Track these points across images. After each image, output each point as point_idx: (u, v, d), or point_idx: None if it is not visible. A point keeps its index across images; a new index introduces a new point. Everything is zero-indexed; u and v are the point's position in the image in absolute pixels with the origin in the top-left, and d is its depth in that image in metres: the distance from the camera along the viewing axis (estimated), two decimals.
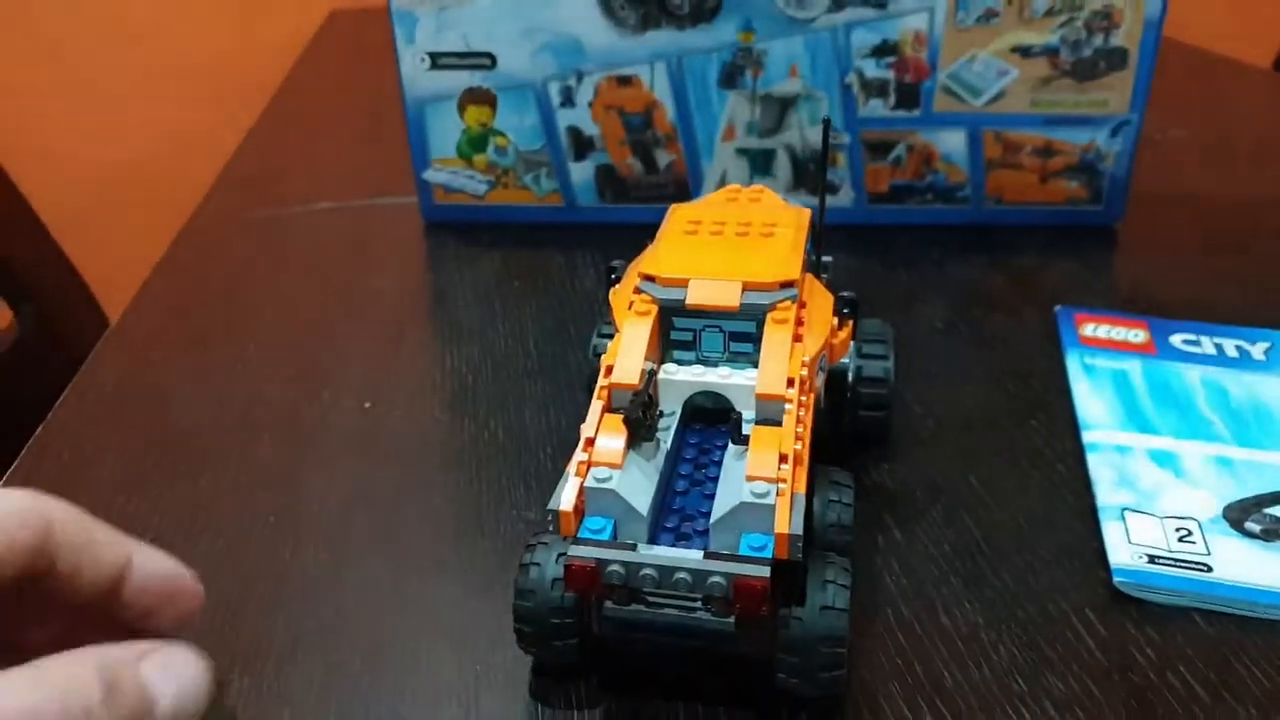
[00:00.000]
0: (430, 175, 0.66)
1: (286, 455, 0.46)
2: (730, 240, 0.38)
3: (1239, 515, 0.39)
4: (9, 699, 0.20)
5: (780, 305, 0.34)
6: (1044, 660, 0.35)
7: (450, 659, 0.36)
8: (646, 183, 0.65)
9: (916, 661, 0.35)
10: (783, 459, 0.30)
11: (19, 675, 0.21)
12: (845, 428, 0.42)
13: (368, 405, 0.50)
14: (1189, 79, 0.88)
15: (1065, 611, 0.37)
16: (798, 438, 0.31)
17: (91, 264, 0.92)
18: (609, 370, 0.33)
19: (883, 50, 0.59)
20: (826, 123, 0.38)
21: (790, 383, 0.32)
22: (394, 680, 0.35)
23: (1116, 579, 0.37)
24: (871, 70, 0.60)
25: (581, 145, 0.64)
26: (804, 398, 0.32)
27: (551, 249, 0.64)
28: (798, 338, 0.34)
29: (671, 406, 0.35)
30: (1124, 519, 0.39)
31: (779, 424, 0.31)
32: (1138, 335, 0.51)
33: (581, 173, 0.65)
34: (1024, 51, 0.58)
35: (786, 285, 0.34)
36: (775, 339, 0.33)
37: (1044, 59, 0.58)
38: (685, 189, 0.64)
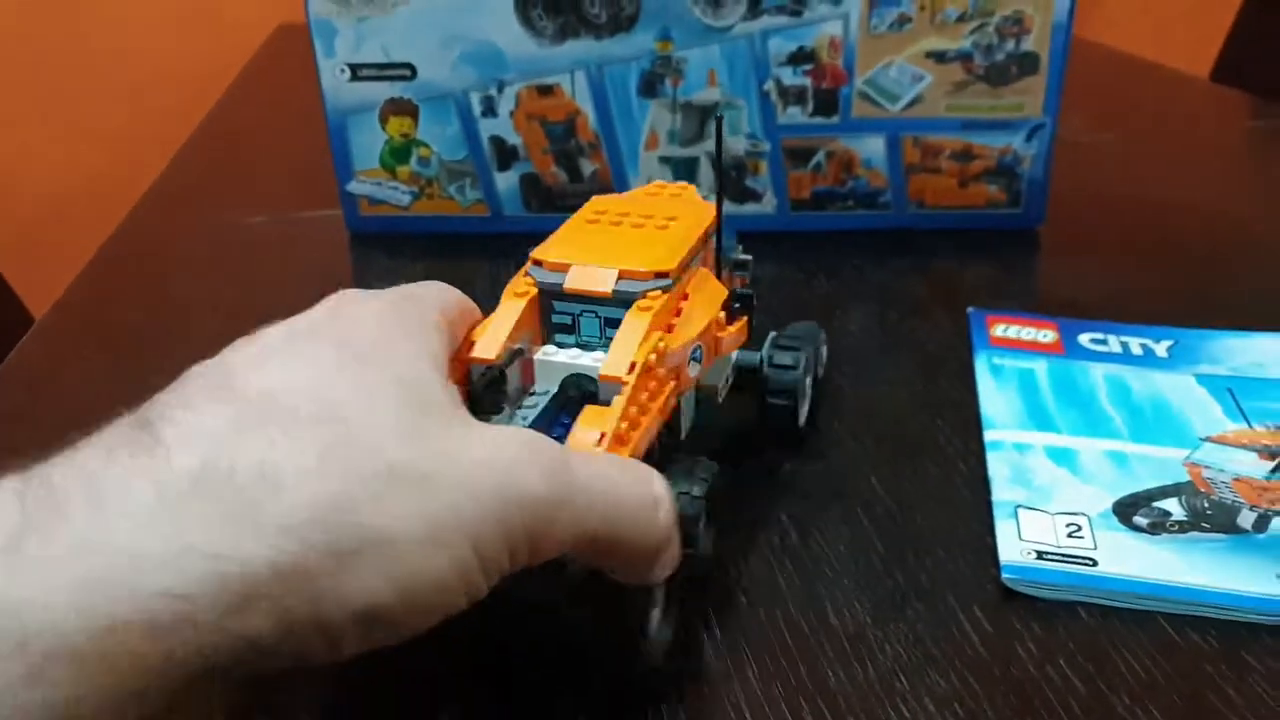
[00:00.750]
0: (354, 187, 0.66)
1: None
2: (625, 230, 0.38)
3: (1129, 509, 0.39)
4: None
5: (649, 294, 0.34)
6: (929, 658, 0.35)
7: None
8: (572, 191, 0.65)
9: (801, 663, 0.35)
10: (601, 437, 0.30)
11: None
12: (765, 421, 0.43)
13: None
14: (1125, 86, 0.90)
15: (954, 609, 0.36)
16: (628, 418, 0.31)
17: (22, 277, 0.91)
18: (470, 345, 0.33)
19: (799, 57, 0.59)
20: (719, 121, 0.38)
21: (632, 367, 0.32)
22: None
23: (1004, 575, 0.37)
24: (789, 78, 0.60)
25: (505, 155, 0.64)
26: (653, 384, 0.33)
27: (478, 259, 0.63)
28: (668, 328, 0.34)
29: (546, 386, 0.35)
30: (1017, 516, 0.39)
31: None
32: (1047, 335, 0.51)
33: (506, 182, 0.65)
34: (938, 57, 0.59)
35: (660, 275, 0.35)
36: (631, 325, 0.33)
37: (958, 64, 0.59)
38: None
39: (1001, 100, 0.60)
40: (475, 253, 0.64)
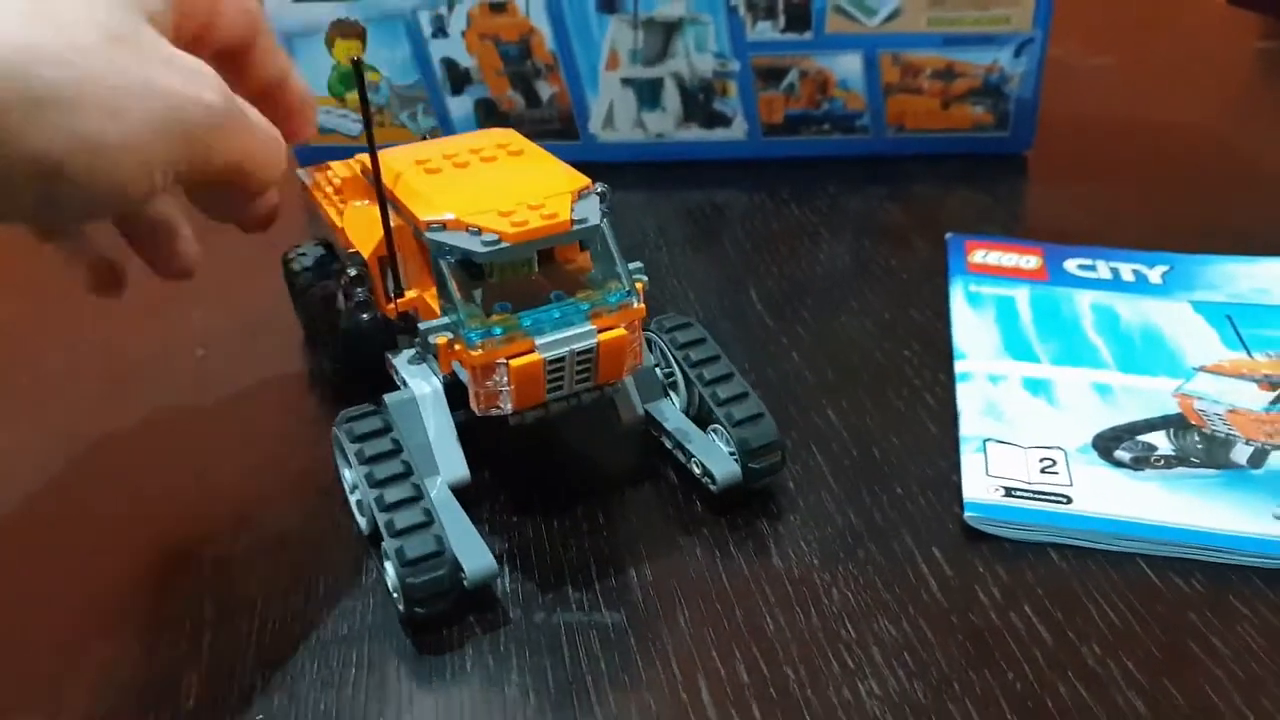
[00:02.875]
0: None
1: (109, 390, 0.43)
2: (487, 168, 0.35)
3: (1109, 443, 0.36)
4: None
5: None
6: (879, 603, 0.31)
7: (238, 613, 0.32)
8: (530, 117, 0.61)
9: (738, 607, 0.31)
10: None
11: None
12: None
13: (200, 352, 0.46)
14: (1131, 8, 0.84)
15: (910, 550, 0.33)
16: None
17: None
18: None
19: None
20: (357, 63, 0.31)
21: None
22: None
23: (967, 514, 0.33)
24: None
25: (458, 78, 0.60)
26: None
27: None
28: None
29: None
30: (985, 450, 0.36)
31: None
32: (1030, 261, 0.47)
33: (460, 108, 0.61)
34: None
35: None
36: None
37: None
38: (571, 124, 0.60)
39: (987, 12, 0.55)
40: None
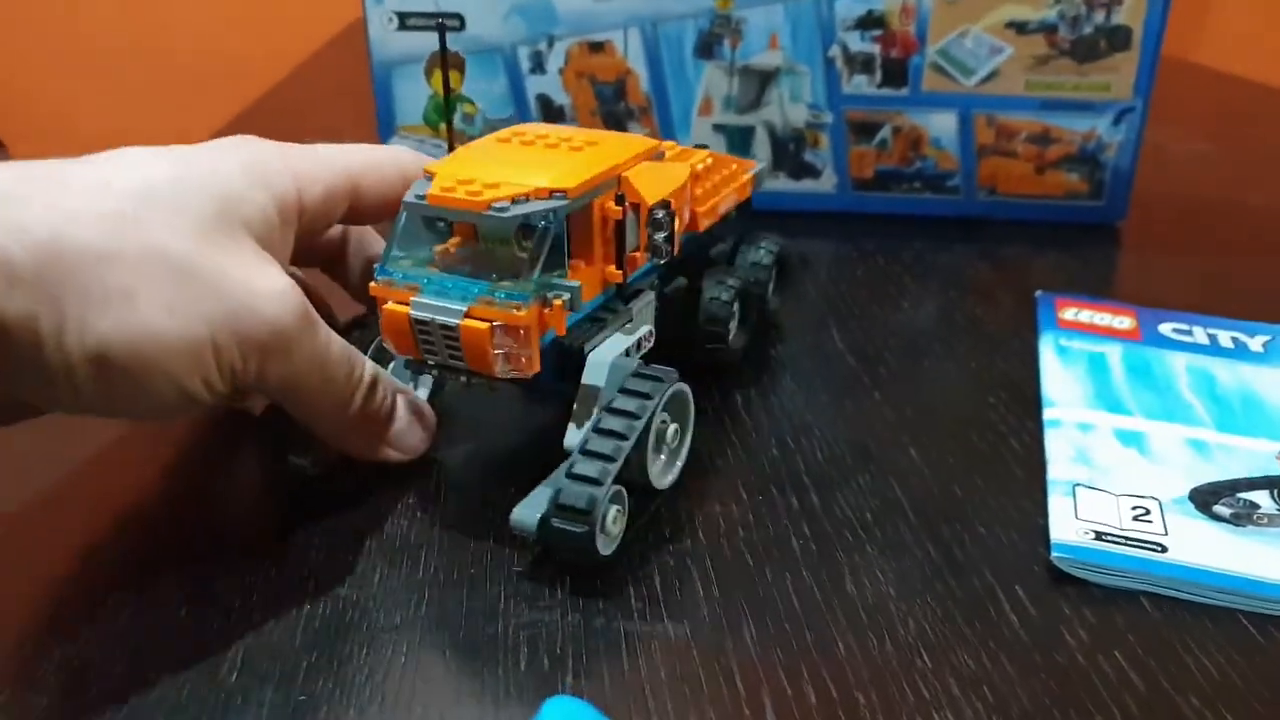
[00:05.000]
0: (395, 143, 0.64)
1: None
2: (534, 150, 0.36)
3: (1209, 497, 0.34)
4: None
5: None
6: (958, 637, 0.30)
7: (280, 600, 0.32)
8: None
9: (809, 629, 0.30)
10: None
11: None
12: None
13: None
14: (1221, 102, 0.83)
15: (991, 586, 0.31)
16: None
17: None
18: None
19: (868, 22, 0.56)
20: (441, 26, 0.38)
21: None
22: (188, 616, 0.31)
23: (1055, 554, 0.32)
24: (856, 44, 0.56)
25: (551, 115, 0.61)
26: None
27: None
28: None
29: None
30: (1074, 494, 0.34)
31: None
32: (1123, 322, 0.46)
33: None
34: (1019, 27, 0.54)
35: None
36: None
37: (1041, 36, 0.54)
38: None
39: (1087, 79, 0.55)
40: None
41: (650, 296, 0.38)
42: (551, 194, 0.32)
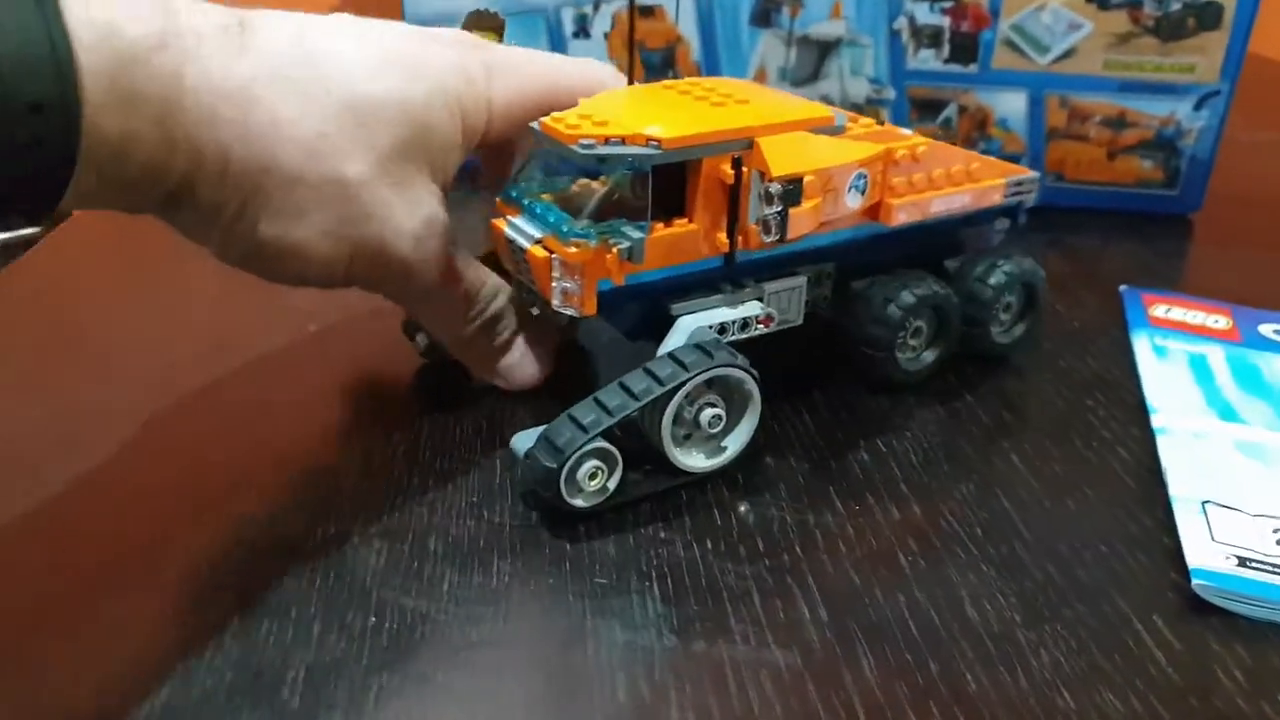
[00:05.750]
0: None
1: (212, 369, 0.40)
2: (684, 100, 0.35)
3: None
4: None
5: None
6: (1099, 672, 0.27)
7: (337, 603, 0.29)
8: None
9: (933, 659, 0.27)
10: None
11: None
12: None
13: (311, 328, 0.43)
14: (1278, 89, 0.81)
15: (1126, 615, 0.29)
16: None
17: None
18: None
19: None
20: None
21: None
22: (259, 627, 0.28)
23: (1195, 581, 0.29)
24: (924, 15, 0.53)
25: None
26: None
27: None
28: None
29: None
30: (1205, 513, 0.31)
31: None
32: (1219, 321, 0.43)
33: None
34: (1101, 2, 0.51)
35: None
36: None
37: (1124, 12, 0.51)
38: None
39: (1170, 59, 0.52)
40: None
41: (798, 281, 0.36)
42: (648, 142, 0.31)
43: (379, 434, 0.36)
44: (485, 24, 0.58)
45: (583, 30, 0.56)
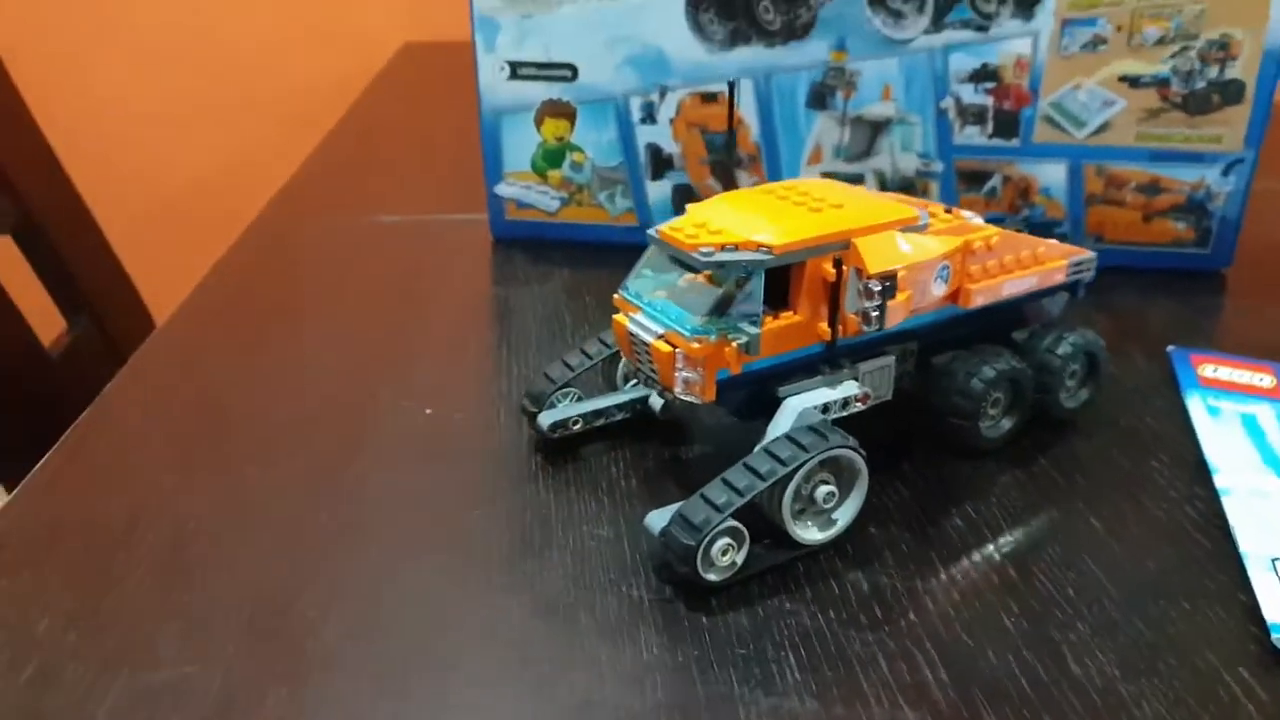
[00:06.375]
0: (502, 189, 0.64)
1: (341, 456, 0.44)
2: (783, 205, 0.39)
3: None
4: None
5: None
6: None
7: (509, 678, 0.32)
8: None
9: (1045, 713, 0.31)
10: None
11: None
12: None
13: (429, 411, 0.47)
14: None
15: (1215, 667, 0.32)
16: None
17: (148, 282, 0.91)
18: None
19: (982, 75, 0.57)
20: (731, 85, 0.43)
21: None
22: (442, 697, 0.32)
23: (1275, 635, 0.33)
24: (969, 96, 0.57)
25: (660, 164, 0.62)
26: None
27: (623, 270, 0.61)
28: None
29: None
30: (1276, 570, 0.35)
31: None
32: (1264, 380, 0.47)
33: (658, 192, 0.62)
34: (1132, 81, 0.56)
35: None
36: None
37: (1153, 90, 0.55)
38: None
39: (1198, 131, 0.56)
40: (621, 263, 0.61)
41: (887, 361, 0.40)
42: (759, 248, 0.35)
43: (511, 507, 0.40)
44: (558, 112, 0.62)
45: (650, 117, 0.61)
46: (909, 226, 0.39)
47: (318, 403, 0.48)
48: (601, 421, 0.44)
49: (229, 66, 1.28)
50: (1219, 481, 0.40)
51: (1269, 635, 0.33)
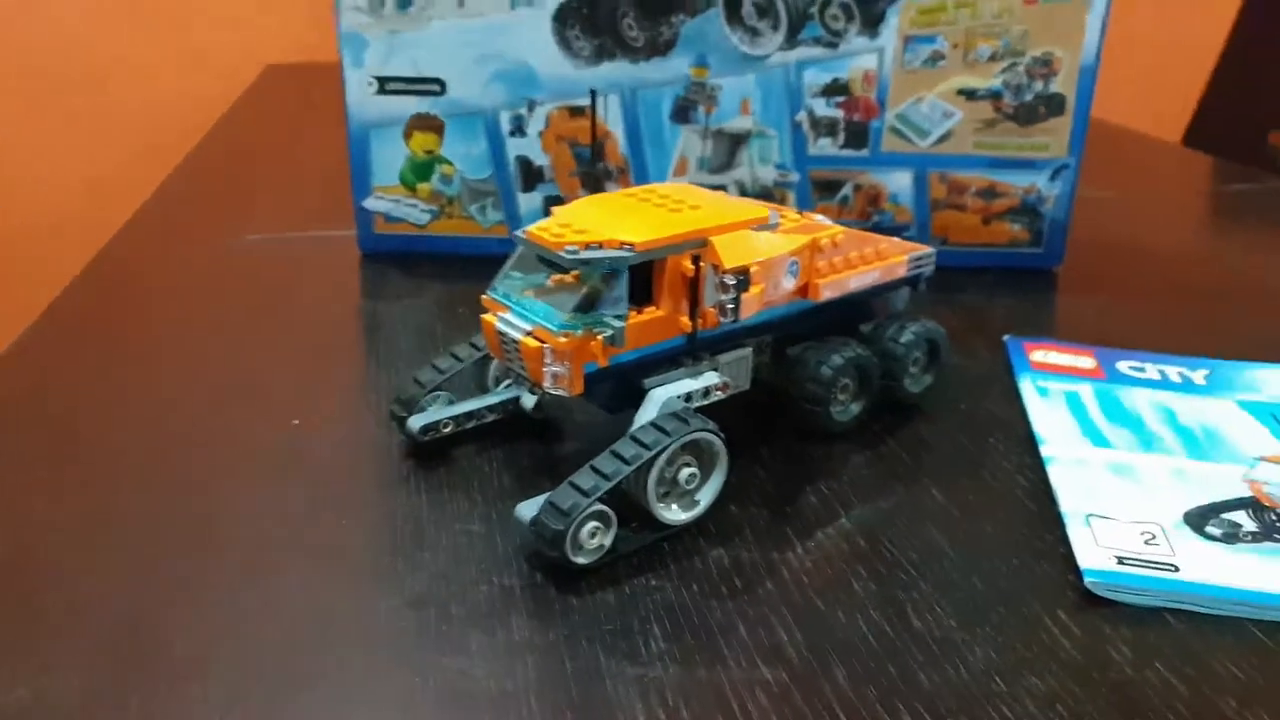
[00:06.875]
0: (371, 203, 0.64)
1: (204, 474, 0.43)
2: (644, 207, 0.41)
3: (1199, 520, 0.39)
4: None
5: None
6: (1022, 660, 0.33)
7: (378, 674, 0.33)
8: None
9: (891, 665, 0.33)
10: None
11: None
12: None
13: (295, 422, 0.47)
14: (1113, 151, 0.93)
15: (1038, 613, 0.35)
16: None
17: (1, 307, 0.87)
18: None
19: (833, 89, 0.60)
20: (594, 93, 0.45)
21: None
22: (310, 698, 0.32)
23: (1087, 579, 0.36)
24: (822, 109, 0.61)
25: (531, 176, 0.63)
26: None
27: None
28: None
29: None
30: (1090, 524, 0.39)
31: None
32: (1086, 362, 0.51)
33: (529, 204, 0.64)
34: (969, 94, 0.60)
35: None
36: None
37: (988, 102, 0.60)
38: None
39: (1028, 139, 0.61)
40: (493, 275, 0.63)
41: (744, 352, 0.42)
42: (622, 246, 0.37)
43: (382, 511, 0.41)
44: (427, 125, 0.63)
45: (519, 130, 0.62)
46: (761, 225, 0.41)
47: (181, 423, 0.47)
48: (473, 423, 0.45)
49: (88, 88, 1.25)
50: (1045, 451, 0.44)
51: (1083, 580, 0.36)
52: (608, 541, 0.37)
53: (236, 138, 0.99)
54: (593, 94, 0.43)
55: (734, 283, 0.38)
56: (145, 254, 0.68)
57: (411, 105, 0.62)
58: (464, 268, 0.64)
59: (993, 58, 0.59)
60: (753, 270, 0.39)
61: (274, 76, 1.22)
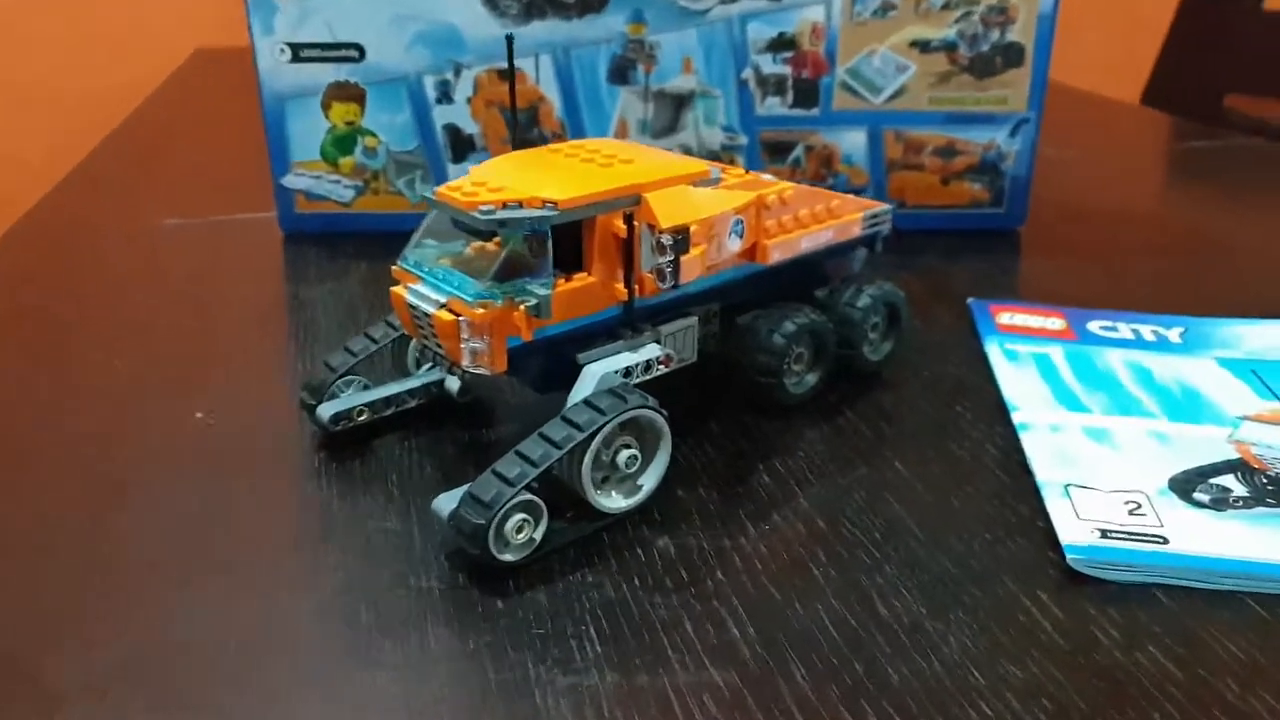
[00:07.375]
0: (290, 181, 0.60)
1: (102, 468, 0.39)
2: (570, 162, 0.37)
3: (1185, 486, 0.36)
4: None
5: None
6: (999, 648, 0.30)
7: (282, 690, 0.29)
8: None
9: (856, 660, 0.30)
10: None
11: None
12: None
13: (199, 415, 0.42)
14: (1072, 111, 0.90)
15: (1015, 594, 0.32)
16: None
17: None
18: None
19: (779, 44, 0.57)
20: (510, 39, 0.39)
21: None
22: (237, 709, 0.28)
23: (1069, 556, 0.33)
24: (769, 66, 0.57)
25: (461, 145, 0.59)
26: None
27: None
28: None
29: None
30: (1069, 495, 0.35)
31: None
32: (1055, 323, 0.48)
33: (460, 176, 0.59)
34: (922, 46, 0.57)
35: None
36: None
37: (943, 54, 0.57)
38: None
39: (986, 93, 0.58)
40: None
41: (689, 322, 0.38)
42: (544, 204, 0.33)
43: (289, 510, 0.36)
44: (346, 94, 0.58)
45: (446, 96, 0.58)
46: (701, 181, 0.37)
47: (86, 419, 0.42)
48: (393, 410, 0.41)
49: (9, 69, 1.18)
50: (1017, 419, 0.40)
51: (1064, 557, 0.33)
52: (538, 535, 0.33)
53: (159, 121, 0.93)
54: (509, 40, 0.38)
55: (672, 243, 0.34)
56: (56, 239, 0.63)
57: (329, 73, 0.57)
58: (391, 246, 0.58)
59: (946, 6, 0.56)
60: (692, 229, 0.35)
61: (202, 60, 1.17)
